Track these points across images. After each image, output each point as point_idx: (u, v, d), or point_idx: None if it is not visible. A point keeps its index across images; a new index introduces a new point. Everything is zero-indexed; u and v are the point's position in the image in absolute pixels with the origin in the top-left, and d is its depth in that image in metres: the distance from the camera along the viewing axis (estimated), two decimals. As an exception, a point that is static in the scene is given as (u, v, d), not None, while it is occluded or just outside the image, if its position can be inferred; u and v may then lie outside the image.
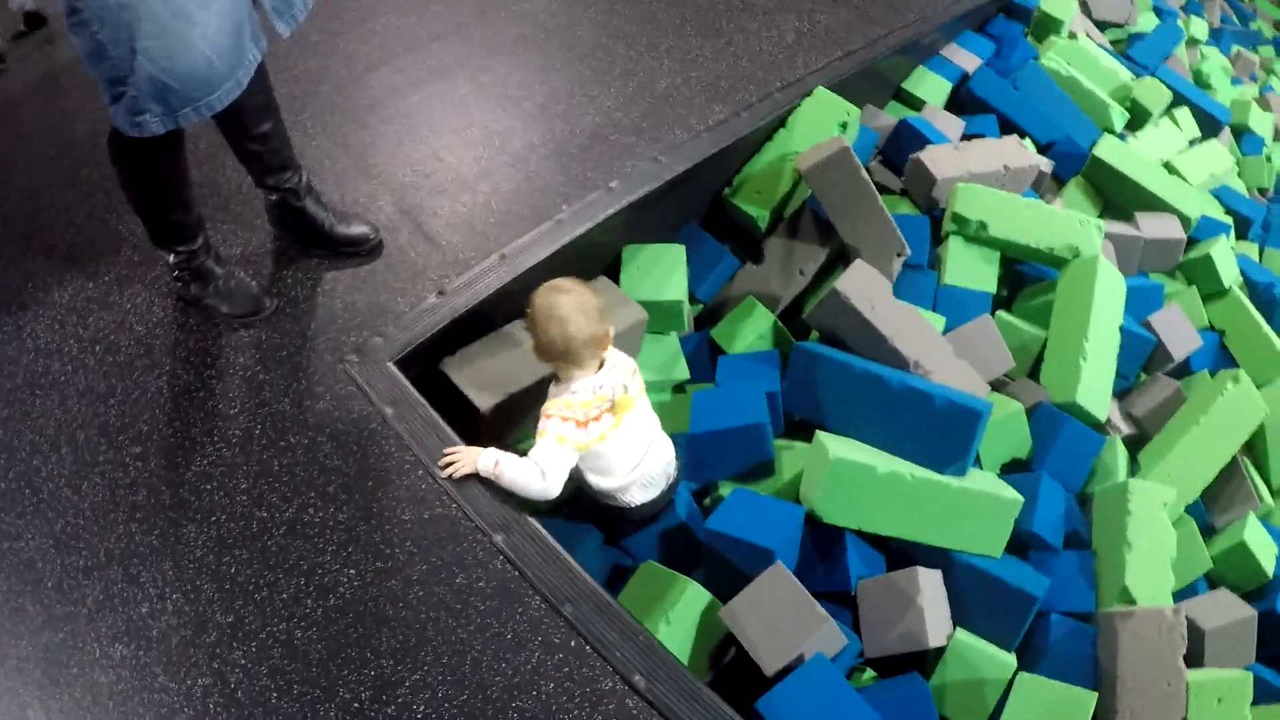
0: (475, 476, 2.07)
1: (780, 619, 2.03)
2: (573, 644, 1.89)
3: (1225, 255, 3.57)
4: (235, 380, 2.26)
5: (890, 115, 3.55)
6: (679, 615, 2.11)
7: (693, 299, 2.85)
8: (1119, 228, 3.42)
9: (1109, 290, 2.97)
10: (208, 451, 2.13)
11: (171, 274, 2.35)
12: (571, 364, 2.07)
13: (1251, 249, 4.06)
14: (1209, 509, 3.07)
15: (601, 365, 2.12)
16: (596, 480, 2.18)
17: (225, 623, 1.88)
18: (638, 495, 2.24)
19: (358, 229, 2.52)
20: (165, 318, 2.39)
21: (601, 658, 1.87)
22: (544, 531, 2.02)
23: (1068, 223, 3.07)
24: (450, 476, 2.07)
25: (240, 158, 2.38)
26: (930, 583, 2.28)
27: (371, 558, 1.99)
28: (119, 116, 1.85)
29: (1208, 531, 3.00)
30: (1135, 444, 3.08)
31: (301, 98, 2.94)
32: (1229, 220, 3.86)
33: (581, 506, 2.37)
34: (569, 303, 2.02)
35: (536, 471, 2.01)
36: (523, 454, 2.06)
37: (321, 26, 3.20)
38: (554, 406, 2.06)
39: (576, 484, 2.18)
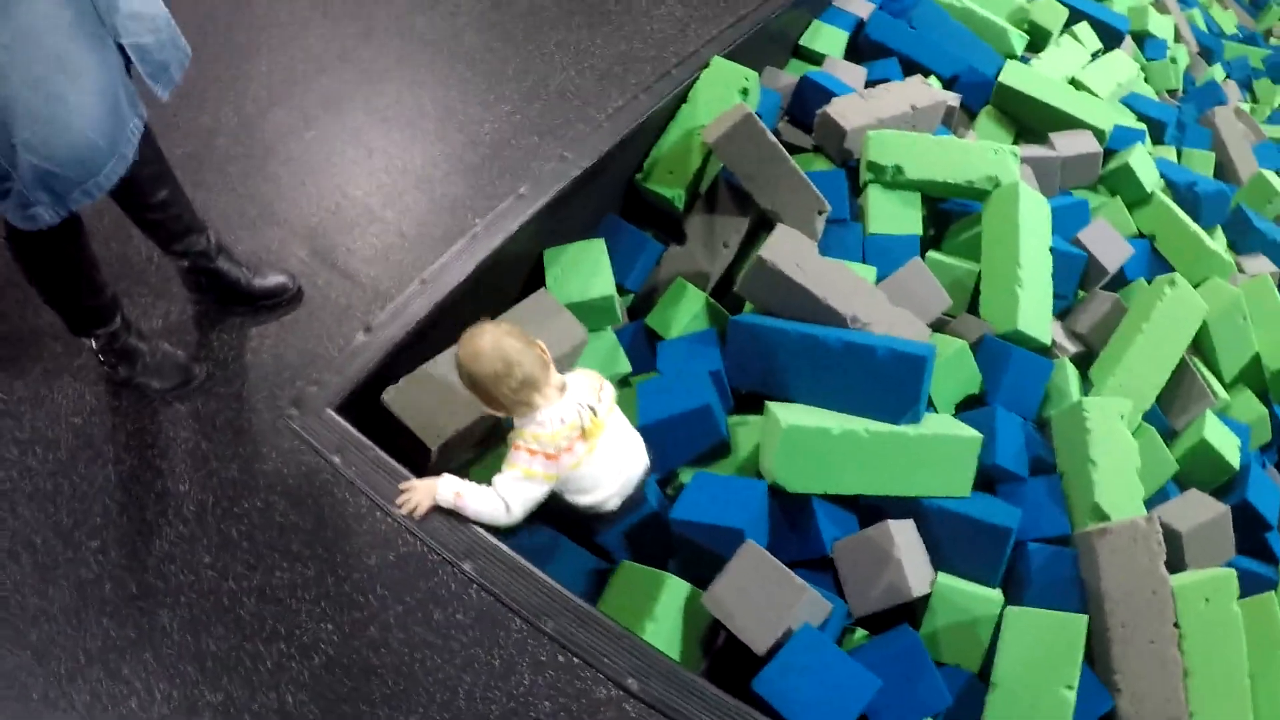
0: (434, 508, 2.02)
1: (761, 596, 2.01)
2: (560, 659, 1.87)
3: (1144, 161, 3.59)
4: (179, 455, 2.20)
5: (791, 74, 3.53)
6: (663, 611, 2.08)
7: (622, 290, 2.80)
8: (1035, 150, 3.43)
9: (1033, 214, 2.97)
10: (165, 533, 2.07)
11: (97, 359, 2.27)
12: (526, 403, 2.02)
13: (1169, 151, 4.10)
14: (1166, 412, 3.10)
15: (564, 389, 2.08)
16: (576, 498, 2.15)
17: (216, 701, 1.84)
18: (618, 503, 2.22)
19: (275, 279, 2.45)
20: (99, 404, 2.30)
21: (591, 667, 1.86)
22: (511, 552, 1.99)
23: (983, 154, 3.07)
24: (410, 514, 2.02)
25: (143, 229, 2.30)
26: (904, 533, 2.27)
27: (346, 609, 1.95)
28: (10, 212, 1.76)
29: (1169, 435, 3.03)
30: (1084, 361, 3.09)
31: (198, 154, 2.84)
32: (1143, 126, 3.89)
33: (546, 511, 2.33)
34: (492, 350, 1.98)
35: (500, 505, 2.00)
36: (479, 479, 2.03)
37: (205, 75, 3.10)
38: (522, 438, 2.02)
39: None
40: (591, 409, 2.07)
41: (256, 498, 2.11)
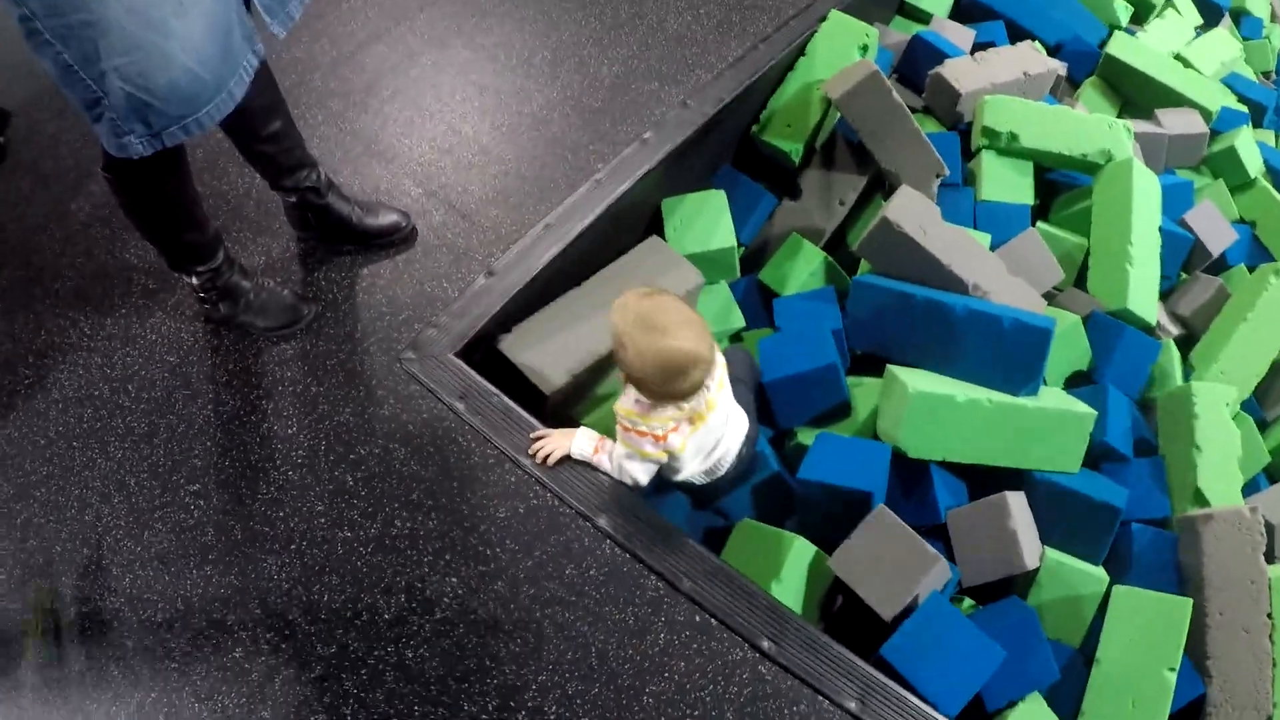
0: (565, 459, 1.99)
1: (891, 563, 2.00)
2: (697, 619, 1.84)
3: (1248, 145, 3.52)
4: (286, 397, 2.14)
5: (898, 31, 3.45)
6: (789, 571, 2.07)
7: (736, 242, 2.76)
8: (1142, 126, 3.36)
9: (1145, 192, 2.92)
10: (273, 478, 2.02)
11: (196, 296, 2.19)
12: (674, 399, 1.86)
13: (1268, 135, 4.01)
14: (1261, 403, 3.06)
15: None
16: (666, 473, 2.09)
17: (329, 654, 1.80)
18: (703, 479, 2.13)
19: (388, 218, 2.37)
20: (196, 343, 2.23)
21: (728, 628, 1.83)
22: (649, 508, 1.96)
23: (1097, 127, 3.01)
24: (543, 462, 1.98)
25: (251, 161, 2.20)
26: (1019, 506, 2.26)
27: (472, 562, 1.90)
28: (105, 138, 1.67)
29: (1262, 426, 3.00)
30: (1184, 343, 3.05)
31: (294, 89, 2.75)
32: (1245, 109, 3.80)
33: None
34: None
35: (627, 478, 1.97)
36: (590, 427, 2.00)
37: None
38: (629, 418, 1.90)
39: None
40: (707, 387, 1.94)
41: (374, 444, 2.05)
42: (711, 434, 2.00)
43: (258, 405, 2.12)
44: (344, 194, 2.36)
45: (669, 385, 1.78)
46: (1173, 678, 2.19)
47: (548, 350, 2.25)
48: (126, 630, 1.83)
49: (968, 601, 2.30)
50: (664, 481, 2.09)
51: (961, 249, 2.48)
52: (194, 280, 2.12)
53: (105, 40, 1.50)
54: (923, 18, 3.57)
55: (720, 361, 1.98)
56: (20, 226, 2.46)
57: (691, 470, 2.05)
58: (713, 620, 1.84)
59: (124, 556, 1.91)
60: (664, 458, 1.95)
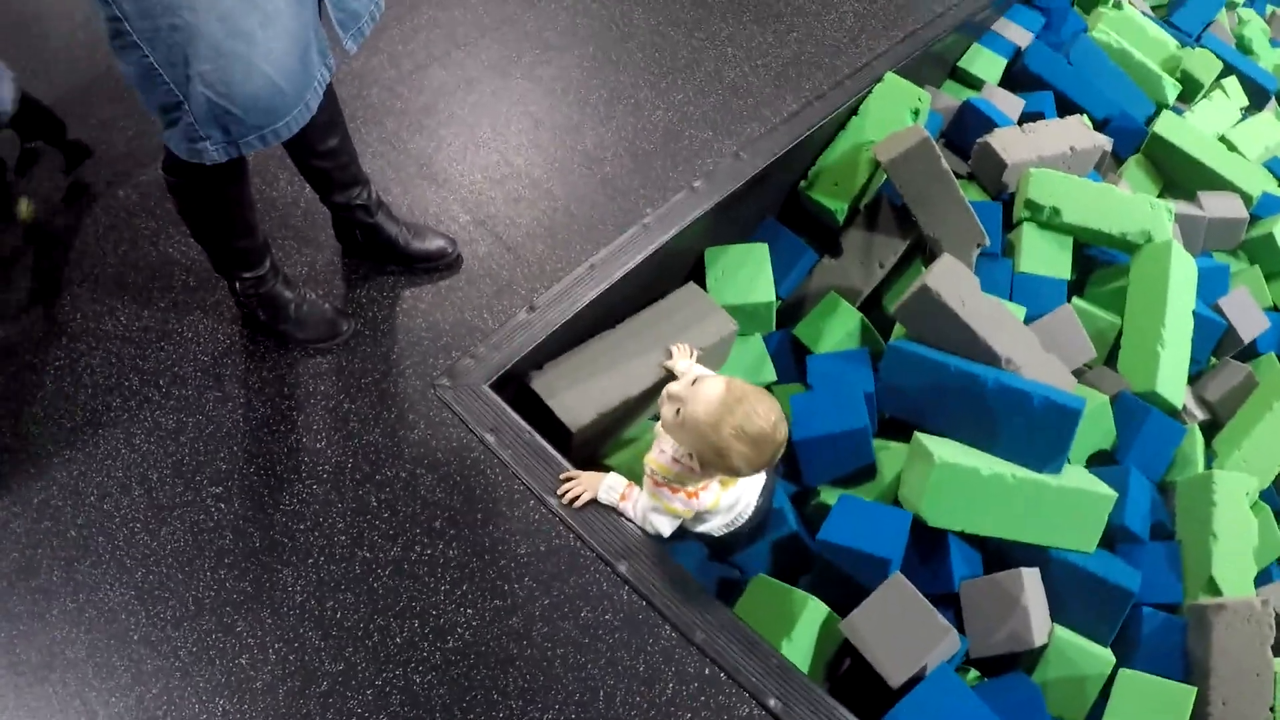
0: (592, 502, 2.02)
1: (903, 630, 2.03)
2: (706, 671, 1.86)
3: (1287, 233, 3.53)
4: (318, 411, 2.15)
5: (948, 95, 3.49)
6: (800, 631, 2.10)
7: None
8: (1183, 207, 3.38)
9: (1182, 275, 2.94)
10: (297, 489, 2.03)
11: (236, 300, 2.20)
12: (723, 472, 1.88)
13: (1306, 222, 4.02)
14: (1279, 493, 3.07)
15: None
16: (687, 525, 2.12)
17: (336, 671, 1.81)
18: (722, 531, 2.16)
19: (435, 243, 2.40)
20: (232, 345, 2.25)
21: (736, 683, 1.84)
22: (669, 558, 1.98)
23: (1139, 206, 3.03)
24: (570, 504, 2.01)
25: (305, 174, 2.22)
26: (1033, 582, 2.28)
27: (489, 595, 1.92)
28: (175, 141, 1.68)
29: (1279, 516, 3.01)
30: (1209, 428, 3.07)
31: (350, 103, 2.79)
32: (1285, 194, 3.82)
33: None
34: (781, 434, 1.80)
35: (652, 528, 2.00)
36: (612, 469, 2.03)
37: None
38: (663, 474, 1.93)
39: None
40: None
41: (401, 467, 2.07)
42: (736, 491, 2.04)
43: (288, 415, 2.14)
44: (393, 214, 2.38)
45: (752, 466, 1.80)
46: (1171, 764, 2.21)
47: (577, 390, 2.28)
48: (134, 623, 1.85)
49: (974, 672, 2.33)
50: (683, 531, 2.12)
51: (997, 322, 2.51)
52: (237, 285, 2.14)
53: (193, 46, 1.52)
54: (974, 84, 3.61)
55: None
56: (67, 209, 2.49)
57: (714, 524, 2.09)
58: (722, 674, 1.85)
59: (139, 550, 1.93)
60: (690, 515, 1.98)
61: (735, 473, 1.84)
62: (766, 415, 1.76)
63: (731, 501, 2.04)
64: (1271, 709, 2.35)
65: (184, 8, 1.48)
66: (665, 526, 1.99)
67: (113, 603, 1.87)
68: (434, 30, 3.09)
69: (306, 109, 1.74)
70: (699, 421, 1.77)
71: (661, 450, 1.96)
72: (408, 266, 2.41)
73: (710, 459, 1.81)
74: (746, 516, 2.16)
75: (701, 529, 2.10)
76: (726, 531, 2.17)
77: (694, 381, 1.83)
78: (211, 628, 1.85)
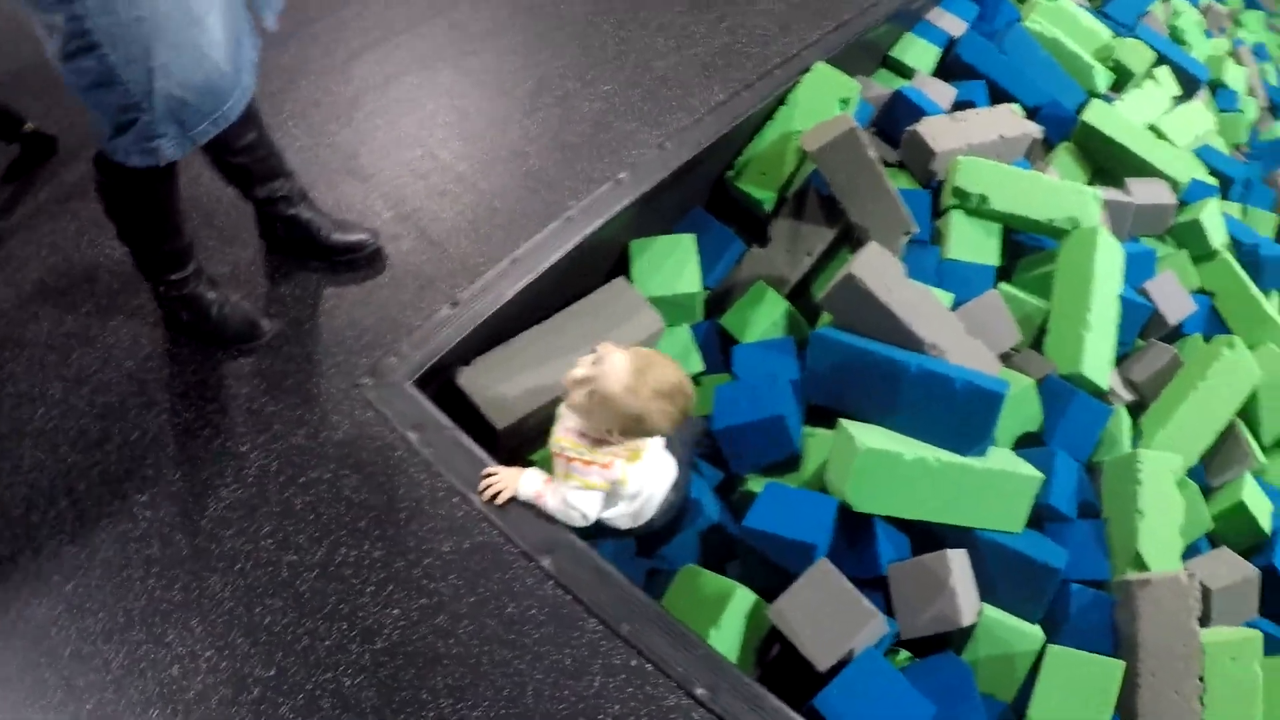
0: (513, 500, 2.01)
1: (829, 615, 2.04)
2: (633, 663, 1.85)
3: (1214, 218, 3.60)
4: (241, 414, 2.13)
5: (880, 84, 3.52)
6: (728, 619, 2.11)
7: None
8: (1111, 194, 3.43)
9: (1109, 260, 2.99)
10: (222, 494, 2.01)
11: (159, 301, 2.17)
12: (640, 436, 1.97)
13: (1234, 208, 4.10)
14: (1206, 469, 3.13)
15: None
16: (616, 510, 2.13)
17: (266, 677, 1.79)
18: (625, 524, 2.17)
19: (355, 235, 2.39)
20: (155, 350, 2.22)
21: (664, 674, 1.84)
22: (592, 551, 1.98)
23: (1067, 194, 3.08)
24: (491, 501, 2.00)
25: (225, 174, 2.21)
26: (959, 563, 2.30)
27: (414, 595, 1.91)
28: (126, 147, 1.68)
29: (1205, 491, 3.06)
30: (1134, 409, 3.12)
31: (278, 94, 2.78)
32: (1214, 181, 3.89)
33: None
34: (687, 385, 1.93)
35: (575, 514, 1.99)
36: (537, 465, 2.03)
37: (292, 14, 3.01)
38: (574, 449, 1.96)
39: None
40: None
41: (325, 468, 2.05)
42: (644, 474, 2.05)
43: (211, 420, 2.12)
44: (316, 206, 2.37)
45: (662, 408, 1.88)
46: (1102, 738, 2.25)
47: (504, 386, 2.28)
48: (64, 638, 1.82)
49: (904, 654, 2.35)
50: (602, 527, 2.12)
51: (922, 308, 2.53)
52: (161, 287, 2.12)
53: (156, 38, 1.54)
54: (906, 73, 3.64)
55: None
56: (-17, 211, 2.45)
57: (620, 510, 2.09)
58: (649, 665, 1.85)
59: (67, 563, 1.90)
60: (608, 488, 1.99)
61: (658, 433, 1.93)
62: (674, 371, 1.91)
63: (637, 486, 2.05)
64: (1200, 679, 2.39)
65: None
66: (590, 505, 1.98)
67: (42, 618, 1.84)
68: (366, 21, 3.08)
69: (246, 89, 1.77)
70: (615, 395, 1.84)
71: (567, 429, 1.98)
72: (329, 259, 2.39)
73: (632, 426, 1.89)
74: (655, 507, 2.16)
75: (611, 514, 2.09)
76: (634, 525, 2.17)
77: (595, 362, 1.88)
78: (142, 639, 1.82)
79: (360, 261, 2.40)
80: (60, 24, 1.51)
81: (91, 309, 2.27)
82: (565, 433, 1.98)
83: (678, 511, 2.26)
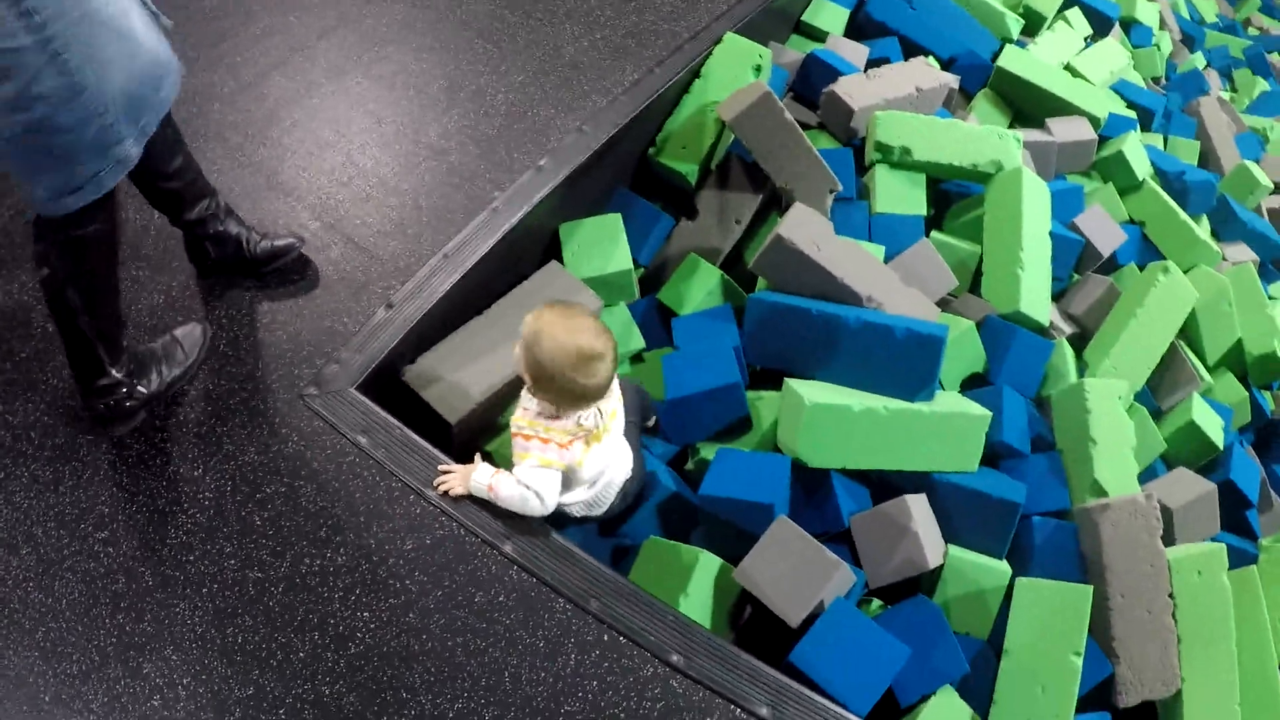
0: (468, 495, 2.00)
1: (794, 571, 2.04)
2: (605, 638, 1.87)
3: (1136, 150, 3.66)
4: (191, 439, 2.12)
5: (794, 49, 3.54)
6: (696, 585, 2.10)
7: (634, 264, 2.80)
8: (1032, 135, 3.48)
9: (1035, 199, 3.03)
10: (180, 521, 2.00)
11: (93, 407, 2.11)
12: (582, 409, 1.94)
13: (1156, 139, 4.18)
14: (1155, 393, 3.19)
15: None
16: (572, 496, 2.11)
17: (246, 696, 1.78)
18: (580, 510, 2.16)
19: (282, 241, 2.39)
20: None
21: (637, 645, 1.85)
22: (552, 531, 1.98)
23: (987, 138, 3.11)
24: (446, 495, 1.99)
25: (156, 202, 2.20)
26: (919, 508, 2.32)
27: (382, 596, 1.90)
28: (87, 175, 1.67)
29: (1156, 415, 3.11)
30: (1078, 342, 3.16)
31: (193, 120, 2.75)
32: (1133, 115, 3.96)
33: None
34: (605, 347, 1.87)
35: (531, 495, 1.95)
36: (499, 460, 2.01)
37: (198, 38, 3.03)
38: (531, 428, 1.94)
39: None
40: (600, 412, 2.00)
41: (280, 482, 2.05)
42: (603, 458, 2.04)
43: (162, 448, 2.10)
44: (241, 220, 2.36)
45: (576, 374, 1.84)
46: (1078, 662, 2.26)
47: (452, 380, 2.27)
48: (43, 684, 1.79)
49: (876, 603, 2.36)
50: (560, 517, 2.11)
51: (855, 262, 2.54)
52: (97, 397, 2.06)
53: (100, 31, 1.57)
54: (819, 36, 3.66)
55: (616, 391, 2.04)
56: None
57: (578, 496, 2.08)
58: (621, 638, 1.86)
59: (36, 608, 1.88)
60: (564, 468, 1.97)
61: (583, 394, 1.88)
62: (579, 324, 1.87)
63: (595, 470, 2.04)
64: (1170, 596, 2.42)
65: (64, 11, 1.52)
66: (547, 484, 1.95)
67: (19, 667, 1.81)
68: (272, 37, 3.05)
69: (178, 71, 1.81)
70: (527, 350, 1.87)
71: (525, 408, 1.97)
72: (259, 272, 2.38)
73: (552, 387, 1.88)
74: (613, 495, 2.16)
75: (568, 499, 2.08)
76: (589, 513, 2.17)
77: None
78: (119, 674, 1.80)
79: (290, 270, 2.38)
80: (26, 34, 1.49)
81: (30, 354, 2.24)
82: (522, 413, 1.98)
83: (634, 500, 2.26)
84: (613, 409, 2.05)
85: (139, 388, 2.11)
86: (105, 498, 2.03)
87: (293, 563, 1.94)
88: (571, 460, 1.96)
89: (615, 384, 2.05)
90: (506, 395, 2.33)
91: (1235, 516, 3.02)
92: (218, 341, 2.28)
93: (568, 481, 2.03)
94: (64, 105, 1.58)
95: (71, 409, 2.15)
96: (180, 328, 2.25)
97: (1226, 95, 5.29)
